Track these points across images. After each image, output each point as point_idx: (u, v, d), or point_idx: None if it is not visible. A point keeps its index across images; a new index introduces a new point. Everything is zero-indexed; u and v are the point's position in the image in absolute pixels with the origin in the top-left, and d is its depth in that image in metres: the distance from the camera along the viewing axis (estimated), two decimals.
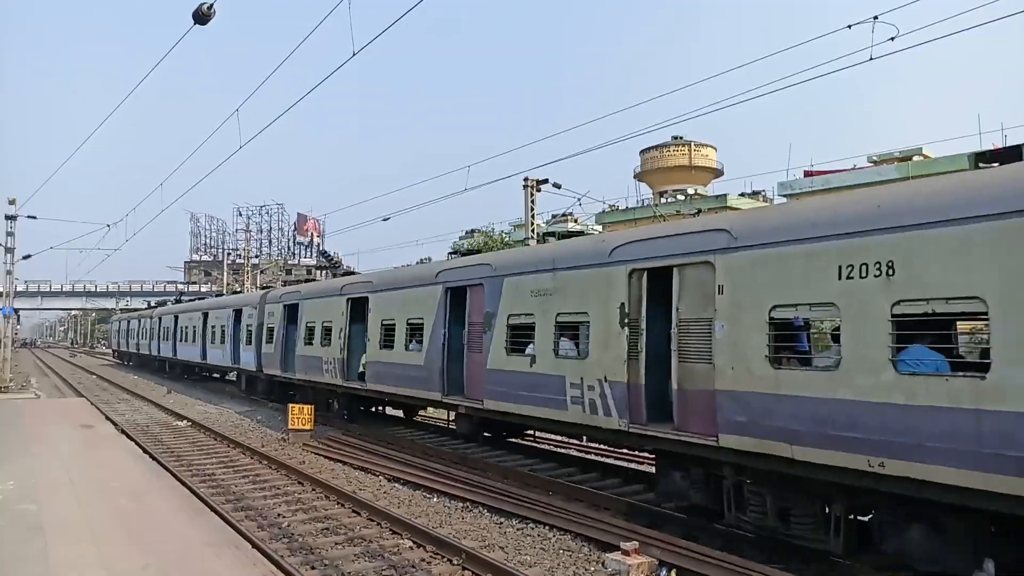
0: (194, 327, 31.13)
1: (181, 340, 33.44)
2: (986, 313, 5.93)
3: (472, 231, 56.77)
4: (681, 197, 51.87)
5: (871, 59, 10.93)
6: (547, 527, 9.22)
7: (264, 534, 8.93)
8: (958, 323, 7.09)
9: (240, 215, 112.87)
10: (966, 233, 6.03)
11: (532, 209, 26.74)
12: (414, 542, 8.60)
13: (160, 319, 38.30)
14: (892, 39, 10.69)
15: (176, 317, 34.82)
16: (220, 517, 8.83)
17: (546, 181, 26.43)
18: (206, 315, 29.66)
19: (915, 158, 37.04)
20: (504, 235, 49.75)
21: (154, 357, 40.52)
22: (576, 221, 54.14)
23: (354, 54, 11.41)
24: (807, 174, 41.07)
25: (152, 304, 50.28)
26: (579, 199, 28.64)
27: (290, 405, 17.11)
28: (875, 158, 39.39)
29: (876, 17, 10.55)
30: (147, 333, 41.88)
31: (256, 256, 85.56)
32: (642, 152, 72.48)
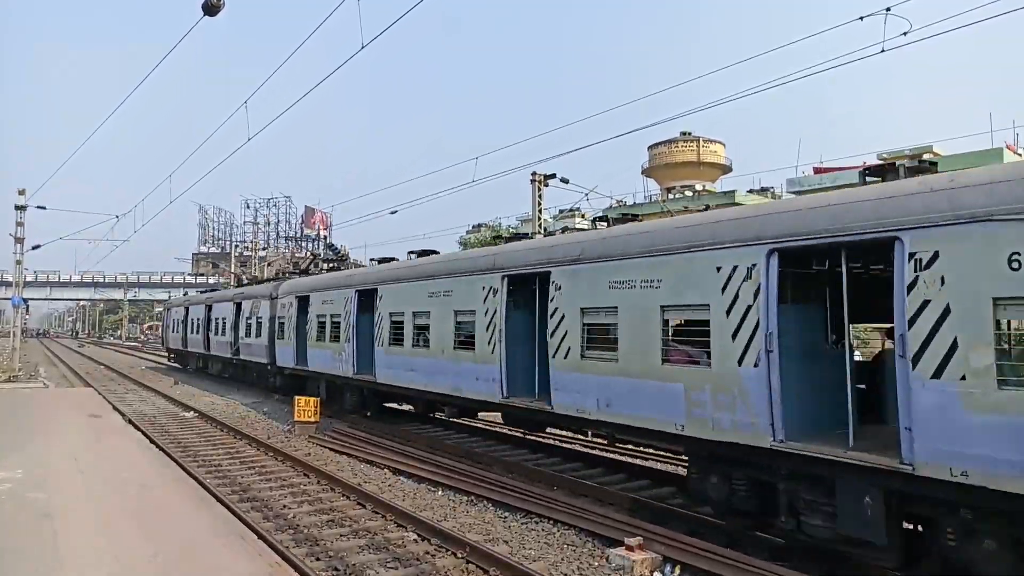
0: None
1: (391, 342, 15.19)
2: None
3: (479, 225, 56.88)
4: (689, 193, 51.72)
5: (883, 51, 10.86)
6: (551, 522, 9.23)
7: (270, 525, 8.98)
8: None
9: (248, 207, 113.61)
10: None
11: (540, 204, 26.71)
12: (419, 535, 8.63)
13: (295, 304, 20.29)
14: (905, 34, 10.59)
15: (367, 296, 16.46)
16: (226, 508, 8.88)
17: (554, 176, 26.36)
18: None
19: (925, 156, 36.83)
20: (511, 230, 49.83)
21: (280, 370, 21.86)
22: (583, 216, 54.18)
23: (363, 46, 11.41)
24: (817, 170, 40.88)
25: (242, 282, 35.05)
26: (587, 194, 28.53)
27: (296, 397, 17.13)
28: (885, 155, 39.17)
29: (888, 9, 10.46)
30: (253, 327, 23.97)
31: (264, 248, 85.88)
32: (650, 148, 72.23)
